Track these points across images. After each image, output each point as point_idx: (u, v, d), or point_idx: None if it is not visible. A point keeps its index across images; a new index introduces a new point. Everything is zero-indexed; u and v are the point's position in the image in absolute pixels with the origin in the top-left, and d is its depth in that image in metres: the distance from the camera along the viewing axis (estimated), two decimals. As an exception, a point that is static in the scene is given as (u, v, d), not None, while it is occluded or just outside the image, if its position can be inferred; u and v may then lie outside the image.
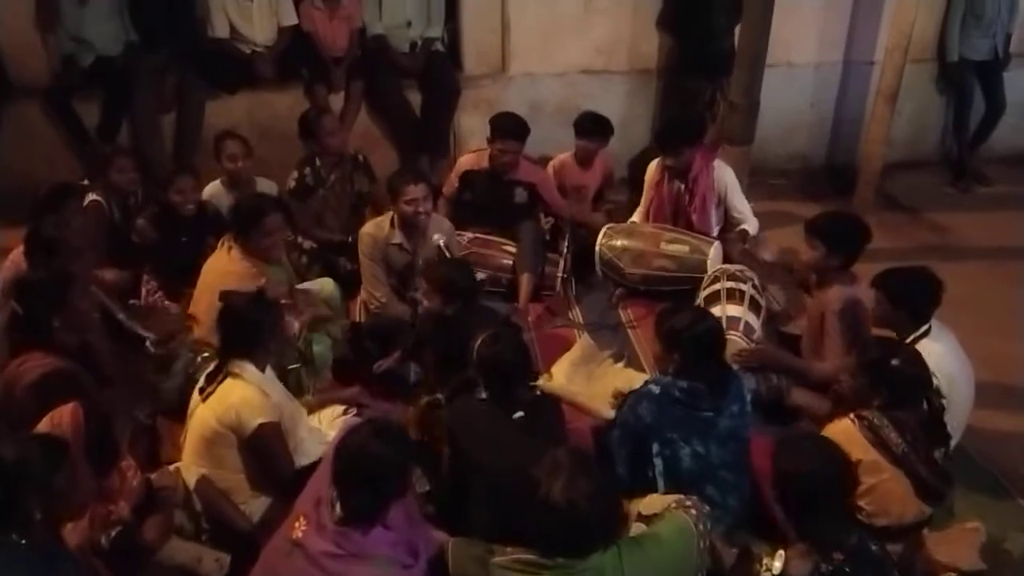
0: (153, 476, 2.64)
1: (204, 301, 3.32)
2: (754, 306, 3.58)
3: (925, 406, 2.63)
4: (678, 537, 2.10)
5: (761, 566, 2.04)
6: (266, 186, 4.38)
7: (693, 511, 2.19)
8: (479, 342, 2.72)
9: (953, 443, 2.99)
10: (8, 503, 1.99)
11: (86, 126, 4.92)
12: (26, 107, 4.91)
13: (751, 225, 4.29)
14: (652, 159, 4.42)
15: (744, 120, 4.74)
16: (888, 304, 3.02)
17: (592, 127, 4.62)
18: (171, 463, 2.80)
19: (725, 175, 4.24)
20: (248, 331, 2.70)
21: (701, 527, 2.13)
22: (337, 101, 5.16)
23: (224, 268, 3.31)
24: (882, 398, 2.59)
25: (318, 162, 4.37)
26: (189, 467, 2.69)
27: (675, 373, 2.68)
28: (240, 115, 5.06)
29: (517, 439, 2.54)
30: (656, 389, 2.66)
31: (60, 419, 2.35)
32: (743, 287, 3.63)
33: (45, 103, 4.89)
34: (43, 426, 2.36)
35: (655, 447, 2.61)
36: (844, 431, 2.56)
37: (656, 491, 2.57)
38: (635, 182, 4.83)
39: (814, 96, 5.78)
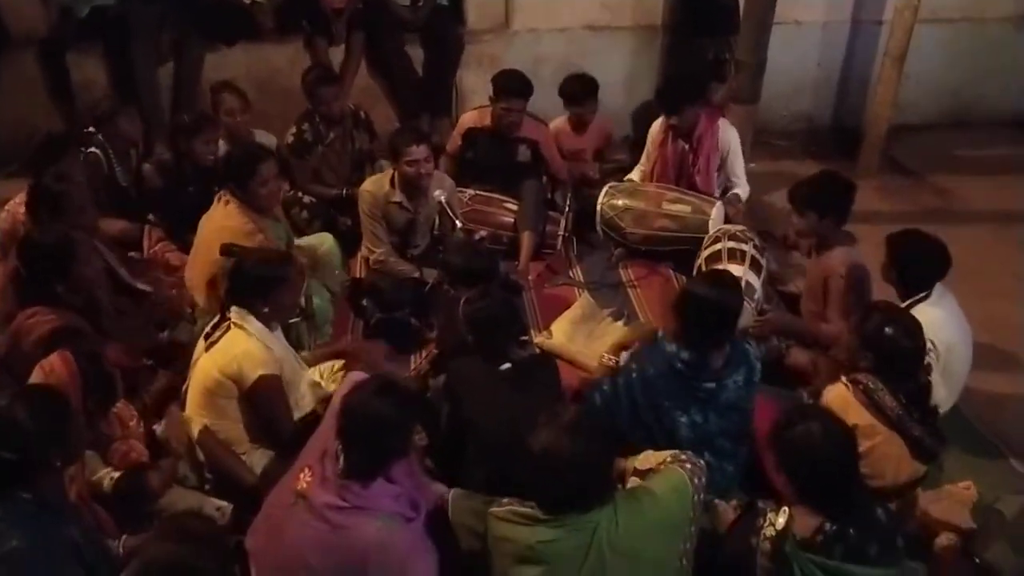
0: (156, 427, 2.66)
1: (201, 254, 3.32)
2: (755, 266, 3.57)
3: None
4: (673, 492, 2.11)
5: (764, 520, 2.04)
6: (265, 139, 4.33)
7: (688, 465, 2.20)
8: (464, 300, 2.72)
9: (949, 405, 3.02)
10: (17, 460, 1.99)
11: (72, 84, 4.82)
12: (24, 58, 4.84)
13: (742, 191, 4.25)
14: (654, 115, 4.36)
15: (750, 79, 4.67)
16: (888, 264, 3.03)
17: (578, 93, 4.51)
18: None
19: (730, 136, 4.19)
20: (257, 285, 2.68)
21: (696, 481, 2.15)
22: (337, 54, 5.09)
23: (220, 223, 3.30)
24: (869, 362, 2.57)
25: (318, 118, 4.30)
26: (192, 417, 2.70)
27: (678, 340, 2.58)
28: (239, 68, 4.98)
29: (509, 397, 2.55)
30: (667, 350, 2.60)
31: (52, 368, 2.34)
32: (744, 247, 3.61)
33: (39, 54, 4.82)
34: (35, 377, 2.35)
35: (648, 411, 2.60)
36: (840, 396, 2.57)
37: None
38: (639, 139, 4.77)
39: (821, 56, 5.69)
